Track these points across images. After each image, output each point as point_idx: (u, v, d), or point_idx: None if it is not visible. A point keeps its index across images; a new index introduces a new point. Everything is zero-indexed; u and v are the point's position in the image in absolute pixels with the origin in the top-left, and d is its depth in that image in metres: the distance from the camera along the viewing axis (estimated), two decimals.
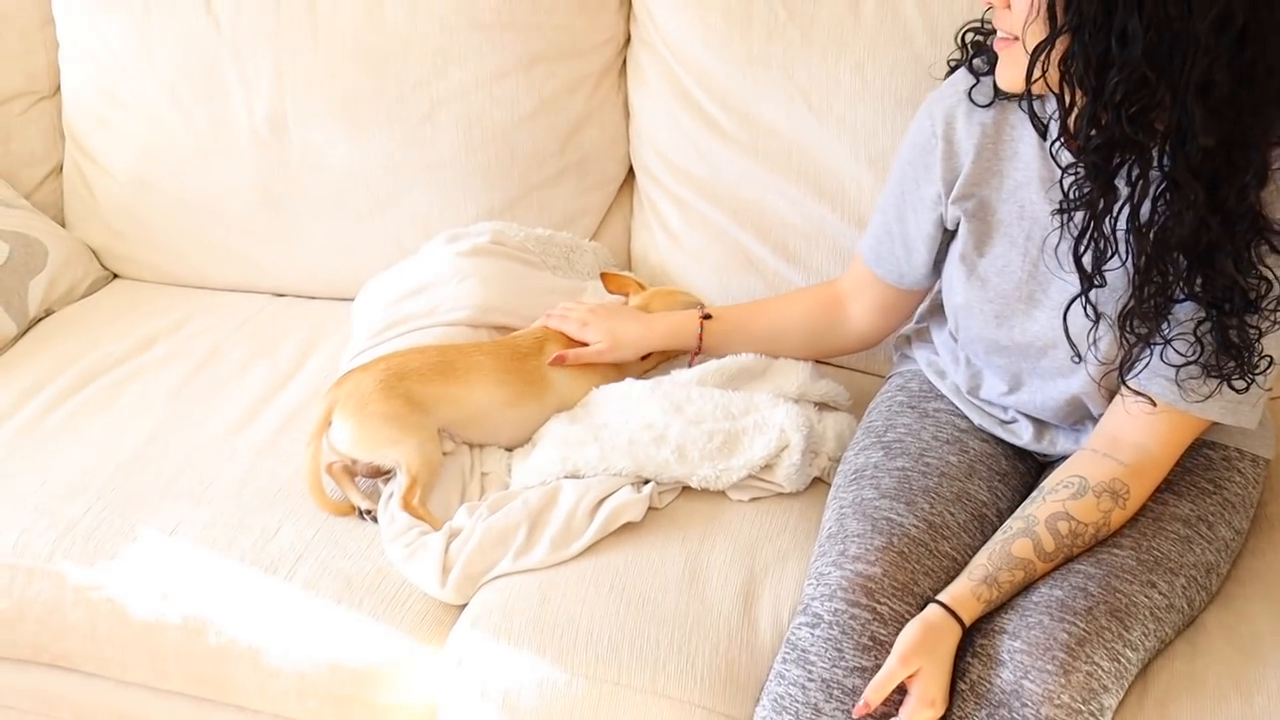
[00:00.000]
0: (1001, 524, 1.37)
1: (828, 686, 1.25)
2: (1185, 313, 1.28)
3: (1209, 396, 1.29)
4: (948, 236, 1.49)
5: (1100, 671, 1.21)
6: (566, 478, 1.55)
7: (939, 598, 1.27)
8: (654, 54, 1.91)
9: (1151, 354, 1.31)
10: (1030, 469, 1.53)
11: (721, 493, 1.56)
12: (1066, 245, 1.31)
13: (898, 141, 1.62)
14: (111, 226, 2.13)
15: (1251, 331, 1.25)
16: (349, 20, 1.93)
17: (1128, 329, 1.29)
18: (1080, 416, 1.47)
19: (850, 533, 1.36)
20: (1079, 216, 1.29)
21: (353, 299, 1.92)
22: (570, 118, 1.95)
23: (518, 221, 1.95)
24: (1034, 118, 1.35)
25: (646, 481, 1.55)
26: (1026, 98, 1.26)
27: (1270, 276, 1.23)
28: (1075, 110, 1.23)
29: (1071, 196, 1.27)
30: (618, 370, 1.71)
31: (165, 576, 1.50)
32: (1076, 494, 1.31)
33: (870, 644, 1.26)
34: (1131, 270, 1.26)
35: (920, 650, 1.21)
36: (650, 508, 1.53)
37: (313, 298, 2.08)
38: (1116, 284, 1.31)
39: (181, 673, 1.52)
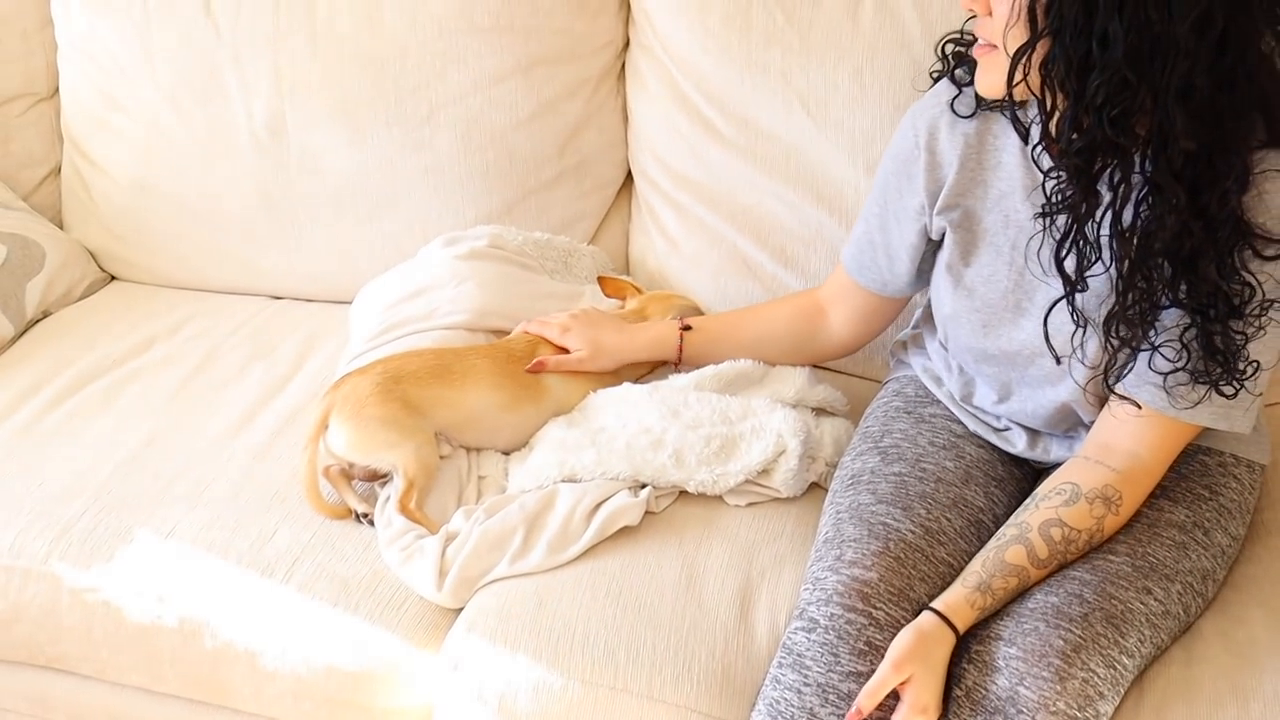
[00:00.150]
0: (998, 530, 1.37)
1: (823, 691, 1.25)
2: (1171, 319, 1.28)
3: (1198, 402, 1.30)
4: (931, 246, 1.50)
5: (1096, 678, 1.21)
6: (563, 481, 1.55)
7: (933, 605, 1.27)
8: (653, 58, 1.91)
9: (1138, 360, 1.32)
10: (1026, 475, 1.53)
11: (718, 497, 1.56)
12: (1049, 249, 1.31)
13: None
14: (110, 229, 2.13)
15: (1237, 337, 1.25)
16: (348, 24, 1.93)
17: (1112, 334, 1.29)
18: (1072, 424, 1.47)
19: (847, 538, 1.36)
20: (1061, 220, 1.29)
21: (350, 302, 1.92)
22: (569, 121, 1.95)
23: (516, 225, 1.95)
24: (1016, 122, 1.36)
25: (643, 486, 1.55)
26: (1008, 103, 1.26)
27: (1253, 282, 1.24)
28: (1056, 114, 1.23)
29: (1054, 200, 1.28)
30: (614, 374, 1.71)
31: (162, 579, 1.50)
32: (1069, 501, 1.31)
33: (866, 649, 1.26)
34: (1114, 275, 1.27)
35: (913, 657, 1.21)
36: (647, 512, 1.52)
37: (311, 301, 2.08)
38: (1101, 289, 1.31)
39: (177, 675, 1.52)
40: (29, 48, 2.12)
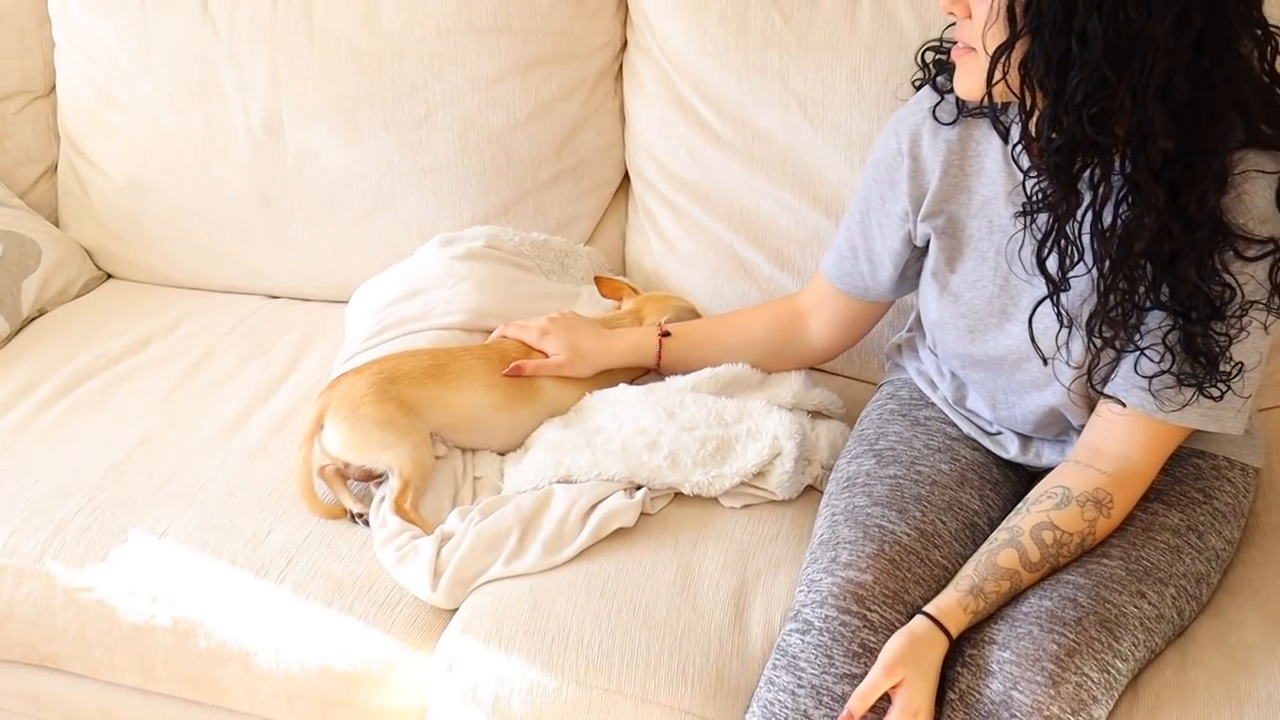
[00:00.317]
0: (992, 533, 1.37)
1: (817, 693, 1.25)
2: (1155, 321, 1.28)
3: (1186, 404, 1.30)
4: (915, 253, 1.50)
5: (1090, 682, 1.21)
6: (559, 482, 1.55)
7: (926, 609, 1.26)
8: (650, 59, 1.91)
9: (1124, 364, 1.32)
10: (1021, 479, 1.53)
11: (714, 499, 1.56)
12: (1030, 249, 1.31)
13: None
14: (106, 227, 2.13)
15: (1220, 339, 1.26)
16: (345, 23, 1.93)
17: (1095, 333, 1.29)
18: (1062, 429, 1.47)
19: (842, 540, 1.36)
20: (1041, 220, 1.29)
21: (347, 302, 1.92)
22: (566, 122, 1.95)
23: (513, 225, 1.95)
24: (996, 122, 1.36)
25: (639, 487, 1.55)
26: (988, 105, 1.26)
27: (1233, 283, 1.24)
28: (1036, 113, 1.23)
29: (1034, 199, 1.28)
30: (609, 375, 1.71)
31: (156, 578, 1.50)
32: (1060, 504, 1.31)
33: (860, 651, 1.26)
34: (1096, 276, 1.27)
35: (905, 660, 1.21)
36: (643, 513, 1.52)
37: (307, 300, 2.07)
38: (1084, 289, 1.31)
39: (171, 675, 1.52)
40: (26, 45, 2.12)
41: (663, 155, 1.92)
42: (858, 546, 1.34)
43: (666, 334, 1.69)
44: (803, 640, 1.28)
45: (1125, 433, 1.33)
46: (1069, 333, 1.33)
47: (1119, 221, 1.24)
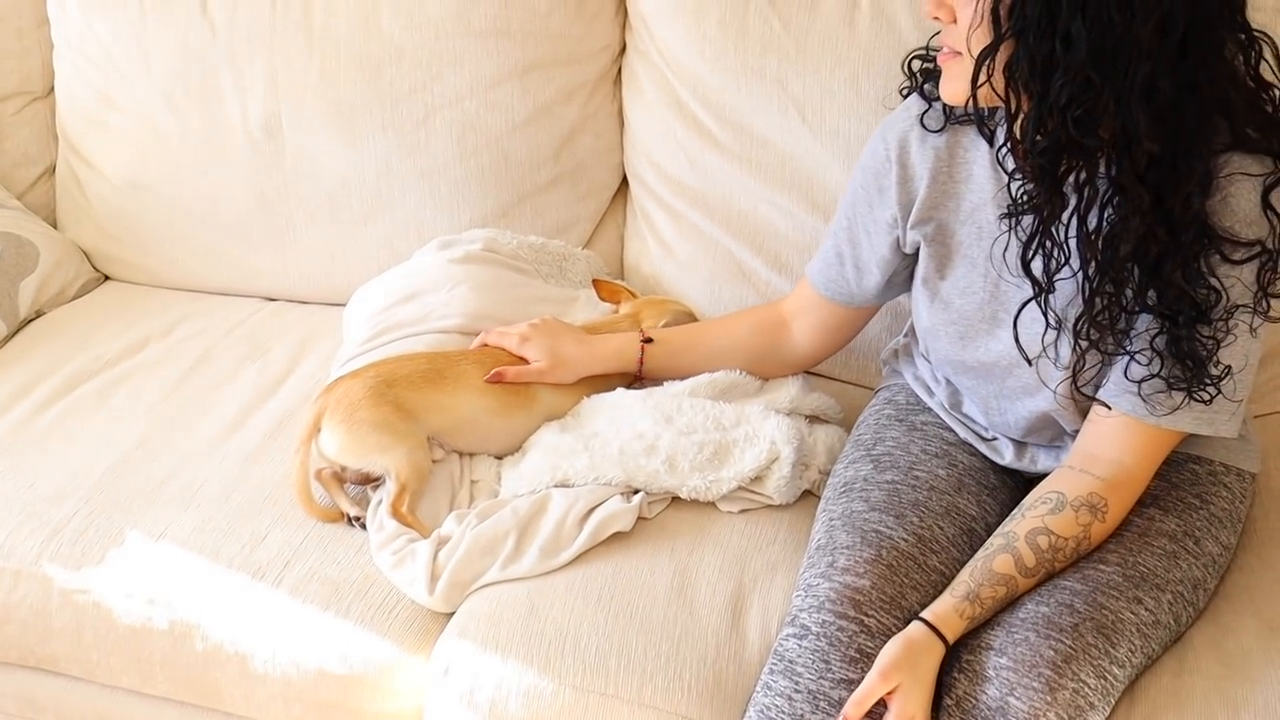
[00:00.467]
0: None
1: (814, 698, 1.25)
2: (1143, 325, 1.29)
3: (1177, 408, 1.30)
4: (904, 260, 1.50)
5: (1086, 689, 1.21)
6: (556, 486, 1.55)
7: (922, 615, 1.27)
8: (649, 63, 1.91)
9: (1115, 369, 1.32)
10: (1018, 484, 1.53)
11: (711, 504, 1.56)
12: (1015, 251, 1.32)
13: None
14: (104, 228, 2.12)
15: (1208, 342, 1.26)
16: (344, 25, 1.93)
17: (1081, 335, 1.29)
18: (1055, 434, 1.47)
19: (839, 544, 1.36)
20: (1027, 221, 1.30)
21: (344, 304, 1.92)
22: (565, 126, 1.95)
23: (511, 229, 1.95)
24: (982, 126, 1.36)
25: (636, 491, 1.55)
26: (973, 109, 1.27)
27: (1219, 286, 1.24)
28: (1021, 115, 1.24)
29: (1019, 201, 1.28)
30: (605, 380, 1.70)
31: (152, 581, 1.50)
32: (1055, 509, 1.31)
33: (857, 656, 1.26)
34: (1082, 279, 1.27)
35: (901, 666, 1.21)
36: (640, 518, 1.52)
37: (305, 303, 2.07)
38: (1071, 291, 1.31)
39: (167, 678, 1.52)
40: (25, 46, 2.12)
41: (661, 159, 1.92)
42: (855, 552, 1.34)
43: (649, 340, 1.69)
44: (799, 645, 1.28)
45: (1118, 438, 1.33)
46: (1057, 334, 1.33)
47: (1104, 224, 1.25)
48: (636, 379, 1.73)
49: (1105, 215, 1.25)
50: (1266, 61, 1.25)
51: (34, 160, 2.17)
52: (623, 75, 1.98)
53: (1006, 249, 1.35)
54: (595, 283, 1.87)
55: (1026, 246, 1.29)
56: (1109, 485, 1.32)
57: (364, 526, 1.54)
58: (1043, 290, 1.30)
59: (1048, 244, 1.28)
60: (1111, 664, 1.24)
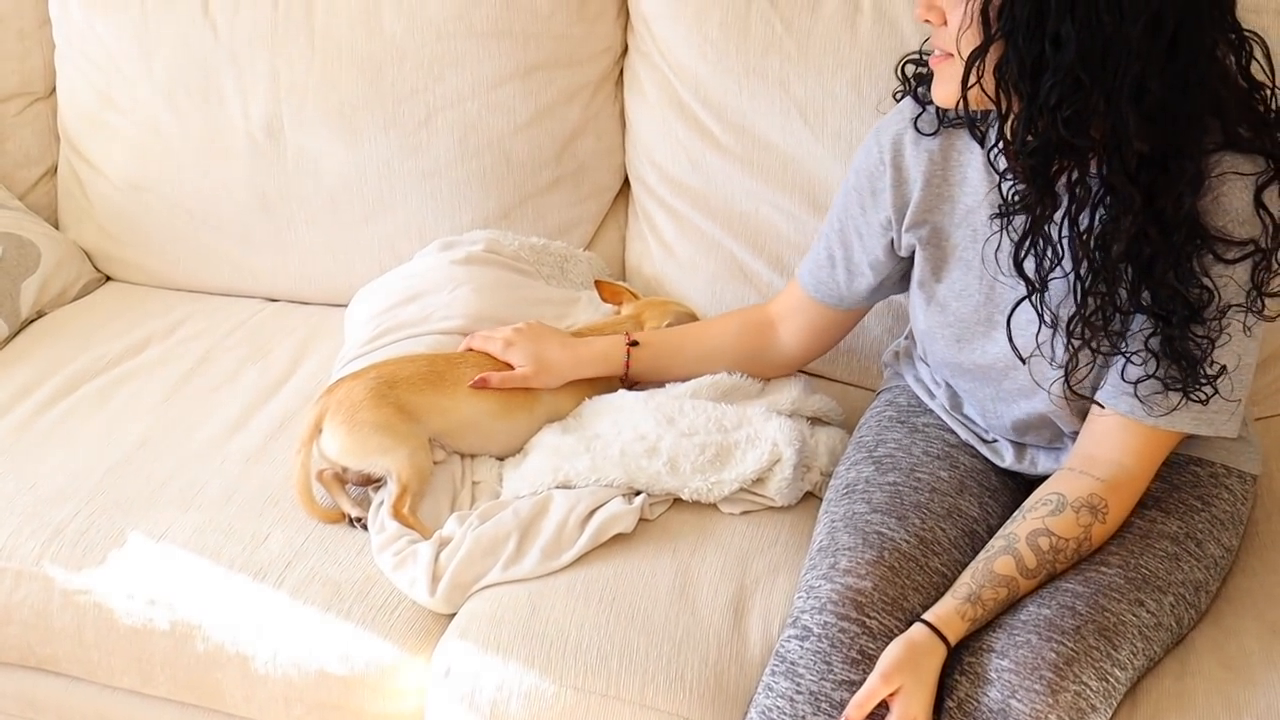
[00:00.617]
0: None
1: (815, 699, 1.25)
2: (1138, 325, 1.29)
3: (1174, 409, 1.30)
4: (898, 263, 1.50)
5: (1088, 691, 1.21)
6: (558, 488, 1.55)
7: (924, 617, 1.26)
8: (651, 65, 1.91)
9: (1112, 371, 1.32)
10: (1020, 486, 1.52)
11: (713, 505, 1.56)
12: (1007, 251, 1.32)
13: None
14: (105, 229, 2.12)
15: (1203, 342, 1.26)
16: (346, 26, 1.93)
17: (1074, 334, 1.30)
18: (1052, 434, 1.47)
19: (841, 546, 1.36)
20: (1019, 221, 1.30)
21: (346, 305, 1.92)
22: (566, 127, 1.95)
23: (512, 230, 1.95)
24: (973, 128, 1.36)
25: (638, 493, 1.55)
26: (964, 111, 1.27)
27: (1211, 285, 1.25)
28: (1011, 116, 1.24)
29: (1011, 201, 1.28)
30: (606, 382, 1.70)
31: (154, 582, 1.50)
32: (1055, 510, 1.31)
33: (859, 658, 1.26)
34: (1074, 279, 1.28)
35: (903, 668, 1.21)
36: (641, 519, 1.52)
37: (306, 303, 2.07)
38: (1064, 290, 1.31)
39: (168, 678, 1.52)
40: (26, 46, 2.12)
41: (663, 160, 1.93)
42: (857, 553, 1.34)
43: (634, 343, 1.68)
44: (801, 646, 1.28)
45: (1117, 439, 1.33)
46: (1051, 334, 1.33)
47: (1096, 224, 1.25)
48: (624, 382, 1.73)
49: (1097, 215, 1.25)
50: (1258, 61, 1.25)
51: (35, 161, 2.17)
52: (624, 77, 1.98)
53: (999, 249, 1.35)
54: (597, 284, 1.87)
55: (1019, 246, 1.29)
56: (1109, 486, 1.32)
57: (365, 527, 1.54)
58: (1035, 289, 1.30)
59: (1040, 244, 1.28)
60: (1113, 666, 1.24)
